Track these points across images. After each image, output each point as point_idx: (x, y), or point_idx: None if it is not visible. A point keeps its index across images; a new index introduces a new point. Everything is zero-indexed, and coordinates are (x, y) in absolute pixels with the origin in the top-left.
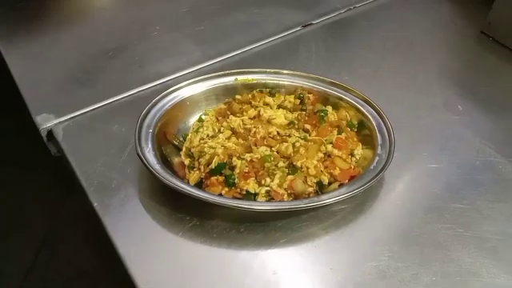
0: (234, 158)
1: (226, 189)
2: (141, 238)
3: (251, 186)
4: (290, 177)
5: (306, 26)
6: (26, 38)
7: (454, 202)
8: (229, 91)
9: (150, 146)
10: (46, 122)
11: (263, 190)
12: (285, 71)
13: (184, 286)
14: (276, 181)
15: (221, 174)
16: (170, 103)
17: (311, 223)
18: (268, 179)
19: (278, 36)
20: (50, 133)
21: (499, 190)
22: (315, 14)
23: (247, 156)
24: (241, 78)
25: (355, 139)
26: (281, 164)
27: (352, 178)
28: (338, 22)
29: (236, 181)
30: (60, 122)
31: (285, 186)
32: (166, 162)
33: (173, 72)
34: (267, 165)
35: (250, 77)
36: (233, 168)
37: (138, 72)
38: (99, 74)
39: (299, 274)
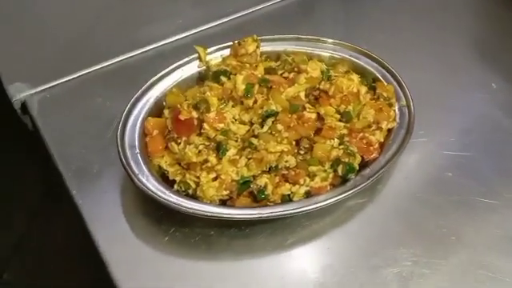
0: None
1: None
2: (125, 233)
3: (285, 188)
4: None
5: None
6: None
7: (484, 196)
8: None
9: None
10: (19, 92)
11: (302, 189)
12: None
13: None
14: (317, 179)
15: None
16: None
17: (322, 220)
18: (307, 179)
19: None
20: (25, 105)
21: None
22: None
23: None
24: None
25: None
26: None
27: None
28: None
29: (268, 193)
30: (36, 93)
31: (329, 180)
32: None
33: (167, 36)
34: (312, 169)
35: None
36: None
37: (126, 36)
38: (82, 38)
39: (308, 281)
